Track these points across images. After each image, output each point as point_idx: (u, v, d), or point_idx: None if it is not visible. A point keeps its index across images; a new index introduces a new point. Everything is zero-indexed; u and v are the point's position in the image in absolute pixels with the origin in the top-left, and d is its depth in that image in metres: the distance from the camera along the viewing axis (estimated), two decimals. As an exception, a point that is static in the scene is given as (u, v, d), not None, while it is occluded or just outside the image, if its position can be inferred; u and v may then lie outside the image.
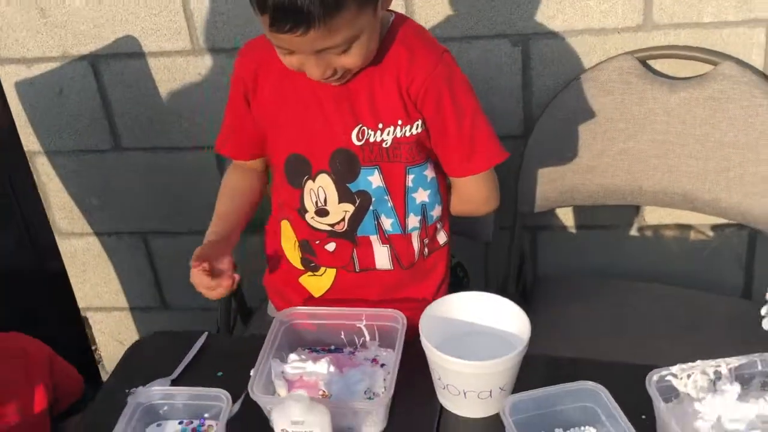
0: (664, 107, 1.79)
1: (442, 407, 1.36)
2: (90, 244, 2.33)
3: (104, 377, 2.22)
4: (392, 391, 1.28)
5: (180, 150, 2.13)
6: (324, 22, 1.23)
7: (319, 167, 1.47)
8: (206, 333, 1.52)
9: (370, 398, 1.34)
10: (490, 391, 1.29)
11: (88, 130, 2.14)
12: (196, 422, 1.35)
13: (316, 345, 1.47)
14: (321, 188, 1.49)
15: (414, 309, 1.42)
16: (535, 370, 1.34)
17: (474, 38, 1.88)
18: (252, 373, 1.32)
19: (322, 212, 1.51)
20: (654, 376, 1.25)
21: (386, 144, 1.43)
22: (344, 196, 1.48)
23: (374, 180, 1.47)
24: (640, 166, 1.84)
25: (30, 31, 2.02)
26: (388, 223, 1.51)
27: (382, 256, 1.54)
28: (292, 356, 1.39)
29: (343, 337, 1.46)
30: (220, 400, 1.31)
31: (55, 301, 2.16)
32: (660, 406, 1.22)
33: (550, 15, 1.84)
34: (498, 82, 1.92)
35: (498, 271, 1.97)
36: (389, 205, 1.49)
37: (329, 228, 1.52)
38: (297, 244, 1.57)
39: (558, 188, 1.89)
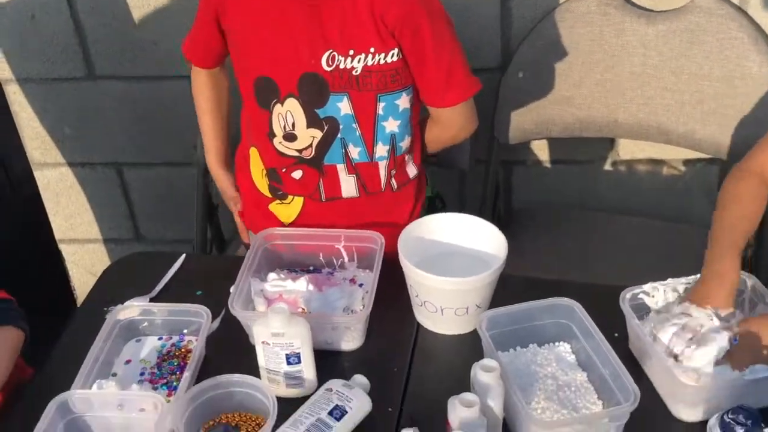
0: (642, 39, 1.79)
1: (419, 325, 1.39)
2: (63, 175, 2.30)
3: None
4: (371, 307, 1.30)
5: (155, 79, 2.10)
6: None
7: (288, 91, 1.47)
8: (185, 254, 1.53)
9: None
10: (467, 308, 1.31)
11: (61, 57, 2.10)
12: (175, 338, 1.36)
13: (294, 266, 1.48)
14: (289, 112, 1.49)
15: (388, 235, 1.43)
16: (510, 289, 1.36)
17: (453, -32, 1.87)
18: (232, 290, 1.33)
19: (290, 137, 1.51)
20: (627, 294, 1.28)
21: (356, 72, 1.43)
22: (312, 121, 1.48)
23: (343, 107, 1.47)
24: (616, 98, 1.85)
25: (0, -47, 1.97)
26: (355, 151, 1.52)
27: (348, 186, 1.55)
28: (272, 275, 1.40)
29: (321, 258, 1.47)
30: (200, 317, 1.32)
31: (31, 231, 2.14)
32: (632, 322, 1.25)
33: (530, -56, 1.83)
34: (476, 13, 1.91)
35: (474, 203, 1.98)
36: (357, 133, 1.50)
37: (297, 154, 1.52)
38: (264, 172, 1.58)
39: (534, 119, 1.90)
